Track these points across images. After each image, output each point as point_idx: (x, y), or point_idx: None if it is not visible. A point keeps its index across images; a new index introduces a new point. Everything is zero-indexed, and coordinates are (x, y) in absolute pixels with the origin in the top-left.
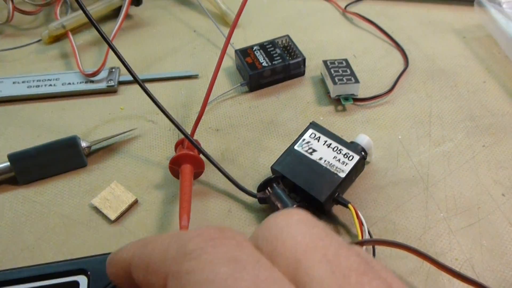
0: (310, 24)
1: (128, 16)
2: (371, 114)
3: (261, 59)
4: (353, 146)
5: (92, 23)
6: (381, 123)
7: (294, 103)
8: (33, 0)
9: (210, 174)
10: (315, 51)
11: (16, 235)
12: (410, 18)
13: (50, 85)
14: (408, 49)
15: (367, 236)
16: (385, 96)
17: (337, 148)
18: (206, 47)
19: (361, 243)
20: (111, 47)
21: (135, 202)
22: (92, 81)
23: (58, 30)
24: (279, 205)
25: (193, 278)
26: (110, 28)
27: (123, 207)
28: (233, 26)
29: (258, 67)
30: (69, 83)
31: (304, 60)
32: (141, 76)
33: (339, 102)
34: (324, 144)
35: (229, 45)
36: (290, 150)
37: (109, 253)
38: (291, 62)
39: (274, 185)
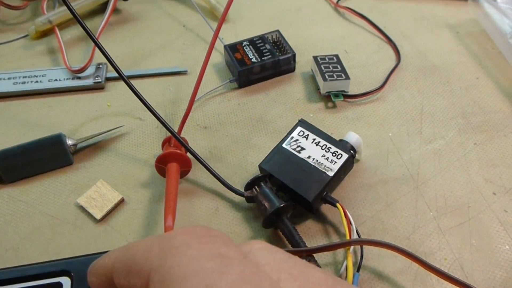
0: (302, 18)
1: (116, 10)
2: (362, 111)
3: (250, 54)
4: (342, 144)
5: (76, 18)
6: (372, 120)
7: (284, 99)
8: None
9: (197, 173)
10: (306, 47)
11: (0, 235)
12: (403, 13)
13: (37, 81)
14: (400, 44)
15: (355, 236)
16: (376, 92)
17: (326, 146)
18: (195, 42)
19: (349, 243)
20: (96, 43)
21: (121, 201)
22: (79, 78)
23: (45, 25)
24: (266, 204)
25: (177, 271)
26: (97, 23)
27: (109, 206)
28: (221, 21)
29: (248, 63)
30: (56, 80)
31: (294, 56)
32: (129, 72)
33: (330, 99)
34: (312, 142)
35: (219, 40)
36: (278, 148)
37: (93, 254)
38: (281, 58)
39: (262, 184)
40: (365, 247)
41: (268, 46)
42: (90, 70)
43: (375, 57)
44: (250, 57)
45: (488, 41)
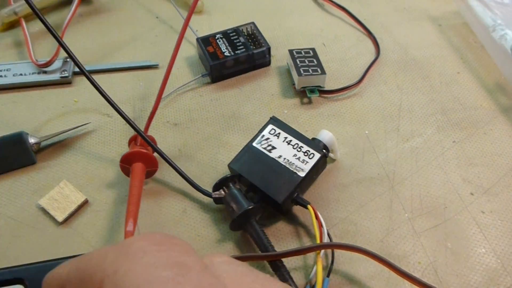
0: (279, 10)
1: (87, 1)
2: (338, 107)
3: (223, 48)
4: (315, 143)
5: (32, 8)
6: (348, 117)
7: (258, 95)
8: None
9: (165, 172)
10: (283, 39)
11: None
12: (384, 4)
13: (1, 76)
14: (380, 37)
15: (326, 239)
16: (353, 88)
17: (298, 145)
18: (168, 34)
19: (319, 247)
20: (53, 33)
21: (85, 202)
22: (45, 72)
23: (10, 16)
24: (233, 206)
25: (130, 279)
26: (66, 15)
27: (72, 208)
28: (191, 10)
29: (220, 57)
30: (21, 74)
31: (269, 49)
32: (97, 66)
33: (305, 95)
34: (284, 141)
35: (192, 32)
36: (248, 147)
37: (50, 260)
38: (255, 51)
39: (231, 184)
40: (337, 251)
41: (242, 39)
42: (57, 64)
43: (354, 50)
44: (223, 51)
45: (470, 34)
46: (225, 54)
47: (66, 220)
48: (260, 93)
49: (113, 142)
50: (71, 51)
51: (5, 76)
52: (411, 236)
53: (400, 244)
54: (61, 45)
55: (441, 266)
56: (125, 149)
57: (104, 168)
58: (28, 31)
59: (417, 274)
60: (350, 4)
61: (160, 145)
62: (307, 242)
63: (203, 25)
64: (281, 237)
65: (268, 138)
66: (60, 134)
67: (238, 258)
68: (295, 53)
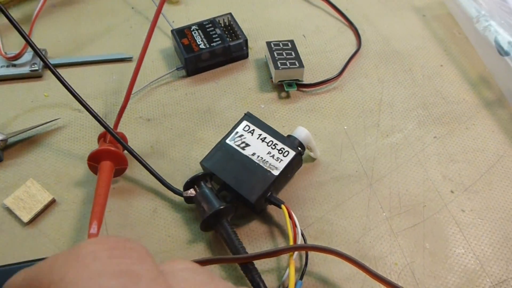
0: (259, 0)
1: None
2: (317, 102)
3: (198, 40)
4: (290, 141)
5: None
6: (327, 112)
7: (235, 89)
8: None
9: (136, 170)
10: (262, 31)
11: None
12: None
13: None
14: (362, 28)
15: (300, 240)
16: (333, 81)
17: (272, 142)
18: (144, 26)
19: (292, 249)
20: (14, 25)
21: (52, 201)
22: (14, 65)
23: None
24: (204, 206)
25: (74, 287)
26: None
27: (38, 207)
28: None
29: (195, 50)
30: None
31: (246, 41)
32: (69, 59)
33: (283, 89)
34: (258, 138)
35: (168, 24)
36: (222, 144)
37: (12, 264)
38: (232, 44)
39: (202, 183)
40: (311, 252)
41: (218, 31)
42: (27, 57)
43: (335, 42)
44: (199, 43)
45: (455, 25)
46: (201, 46)
47: (32, 220)
48: (237, 87)
49: (84, 139)
50: (35, 45)
51: None
52: (388, 236)
53: (377, 244)
54: (25, 38)
55: (418, 268)
56: (95, 145)
57: (73, 165)
58: None
59: (393, 276)
60: None
61: (132, 142)
62: (281, 243)
63: (180, 16)
64: (254, 238)
65: (242, 135)
66: (29, 130)
67: (208, 261)
68: (273, 45)
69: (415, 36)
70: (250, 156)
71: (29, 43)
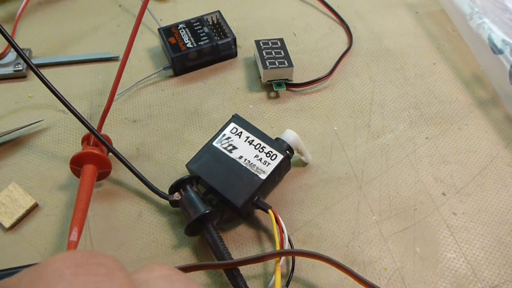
0: None
1: None
2: (307, 102)
3: (186, 39)
4: (278, 144)
5: None
6: (317, 112)
7: (223, 89)
8: None
9: (121, 172)
10: (252, 29)
11: None
12: None
13: None
14: (353, 26)
15: (287, 245)
16: (323, 81)
17: (260, 145)
18: (131, 24)
19: (279, 254)
20: None
21: (35, 206)
22: None
23: None
24: (190, 210)
25: None
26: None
27: (20, 212)
28: None
29: (182, 49)
30: None
31: (234, 40)
32: (54, 58)
33: (272, 88)
34: (245, 140)
35: (155, 22)
36: (208, 147)
37: None
38: (220, 42)
39: (188, 186)
40: (298, 258)
41: (206, 29)
42: (11, 56)
43: (326, 40)
44: (186, 42)
45: (448, 22)
46: (188, 45)
47: (13, 225)
48: (225, 87)
49: (68, 141)
50: (17, 45)
51: None
52: (378, 241)
53: (367, 249)
54: (7, 38)
55: (408, 273)
56: (80, 148)
57: (57, 168)
58: None
59: (382, 282)
60: None
61: (117, 144)
62: (269, 248)
63: (168, 14)
64: (241, 242)
65: (229, 138)
66: (12, 132)
67: (192, 267)
68: (261, 44)
69: (407, 34)
70: (237, 159)
71: (11, 43)
